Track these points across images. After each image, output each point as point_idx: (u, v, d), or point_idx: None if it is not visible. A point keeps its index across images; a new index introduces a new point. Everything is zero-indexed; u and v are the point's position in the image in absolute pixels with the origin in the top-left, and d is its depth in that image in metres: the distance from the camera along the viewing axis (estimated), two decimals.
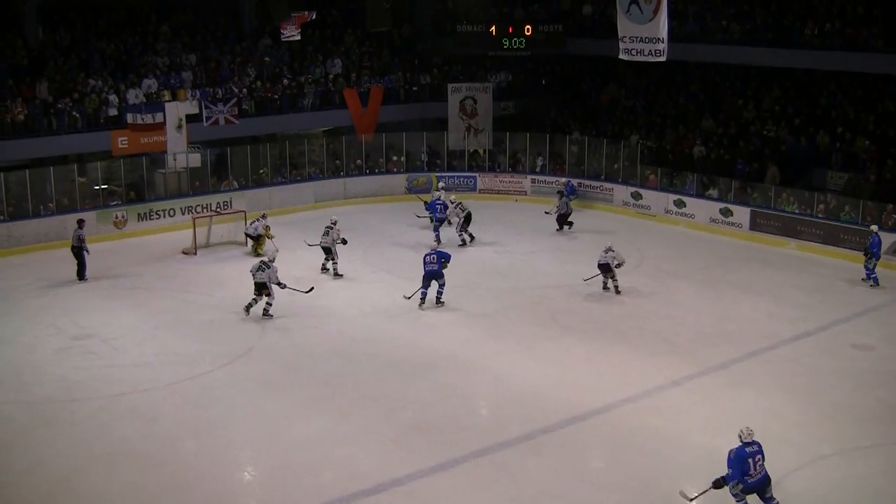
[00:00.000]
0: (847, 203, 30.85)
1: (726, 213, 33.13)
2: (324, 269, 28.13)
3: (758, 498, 14.84)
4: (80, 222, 27.48)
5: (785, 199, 32.16)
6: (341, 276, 27.79)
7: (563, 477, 16.58)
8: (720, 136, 36.49)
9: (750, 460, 14.52)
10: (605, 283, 26.66)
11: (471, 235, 31.60)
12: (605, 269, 26.37)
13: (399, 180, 38.58)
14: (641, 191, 35.73)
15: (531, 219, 34.59)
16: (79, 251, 27.15)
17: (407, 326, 23.91)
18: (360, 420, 18.70)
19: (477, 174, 39.09)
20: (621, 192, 36.42)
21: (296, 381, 20.45)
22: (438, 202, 31.49)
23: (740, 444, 14.68)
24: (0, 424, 18.56)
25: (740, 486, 14.55)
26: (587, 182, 37.34)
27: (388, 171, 38.69)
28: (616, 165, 37.05)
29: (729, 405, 19.38)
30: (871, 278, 27.03)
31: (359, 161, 38.45)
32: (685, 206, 34.32)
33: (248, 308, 24.25)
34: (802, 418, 18.80)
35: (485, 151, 39.93)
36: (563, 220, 33.23)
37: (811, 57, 33.90)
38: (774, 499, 14.84)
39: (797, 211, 31.75)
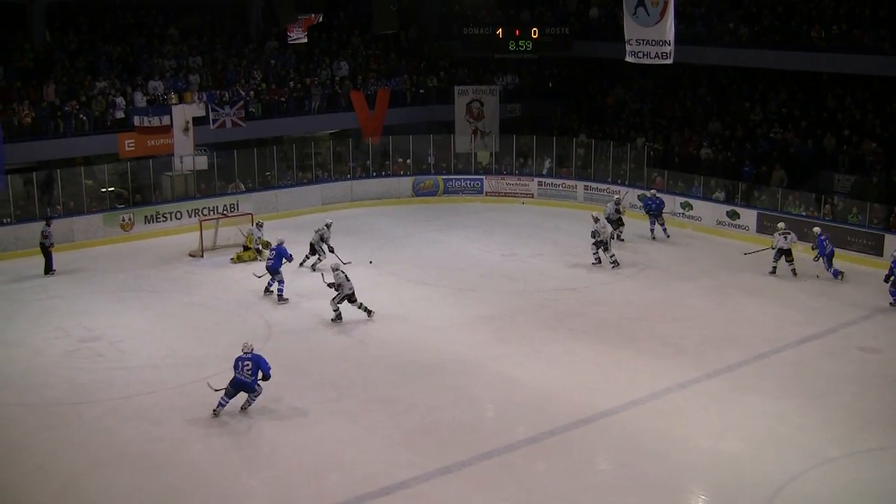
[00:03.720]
0: (854, 205, 30.82)
1: (733, 215, 33.09)
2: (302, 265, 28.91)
3: None
4: (49, 220, 28.59)
5: (792, 202, 32.13)
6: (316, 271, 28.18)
7: (570, 480, 16.58)
8: (727, 139, 36.49)
9: (240, 363, 18.70)
10: (774, 268, 28.33)
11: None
12: (788, 253, 27.92)
13: (406, 183, 38.59)
14: (648, 193, 35.63)
15: (537, 221, 34.62)
16: (45, 248, 28.11)
17: (414, 329, 23.91)
18: (367, 422, 18.71)
19: (483, 177, 39.05)
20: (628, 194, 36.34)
21: (303, 384, 20.45)
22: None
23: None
24: (8, 426, 18.61)
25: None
26: (594, 184, 37.32)
27: (395, 174, 38.71)
28: (623, 168, 37.01)
29: (735, 408, 19.37)
30: None
31: (368, 162, 38.43)
32: (692, 209, 34.29)
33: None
34: (809, 421, 18.77)
35: (491, 154, 39.92)
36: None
37: (818, 59, 33.90)
38: (250, 403, 19.00)
39: (804, 213, 31.71)
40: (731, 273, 28.57)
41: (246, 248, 29.84)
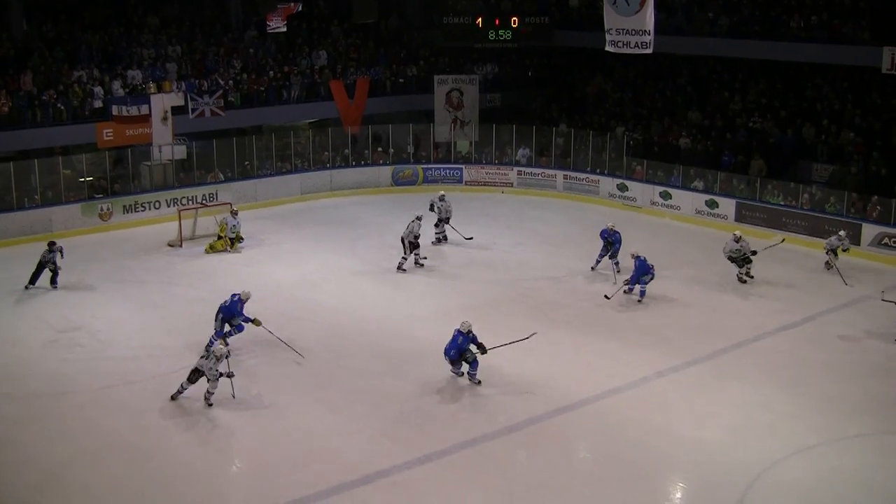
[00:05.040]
0: (832, 195, 30.98)
1: (712, 204, 33.21)
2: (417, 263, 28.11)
3: None
4: (52, 244, 26.09)
5: (771, 191, 32.26)
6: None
7: (551, 468, 16.63)
8: (707, 129, 36.59)
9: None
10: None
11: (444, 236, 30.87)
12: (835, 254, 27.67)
13: (385, 172, 38.54)
14: (627, 182, 35.78)
15: (517, 210, 34.64)
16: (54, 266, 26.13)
17: (394, 318, 23.90)
18: (349, 412, 18.71)
19: (463, 166, 39.04)
20: (607, 183, 36.47)
21: (284, 374, 20.43)
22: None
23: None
24: None
25: None
26: (573, 174, 37.38)
27: (375, 163, 38.66)
28: (602, 157, 37.06)
29: (716, 397, 19.46)
30: None
31: (346, 152, 38.36)
32: (671, 198, 34.39)
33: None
34: (789, 409, 18.88)
35: (471, 143, 39.91)
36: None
37: (798, 49, 34.04)
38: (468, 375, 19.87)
39: (782, 203, 31.86)
40: (710, 262, 28.64)
41: (219, 238, 29.71)
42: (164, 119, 33.47)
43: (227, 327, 21.44)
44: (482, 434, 17.74)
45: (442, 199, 30.39)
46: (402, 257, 27.68)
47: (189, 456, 16.98)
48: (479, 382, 19.78)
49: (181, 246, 30.03)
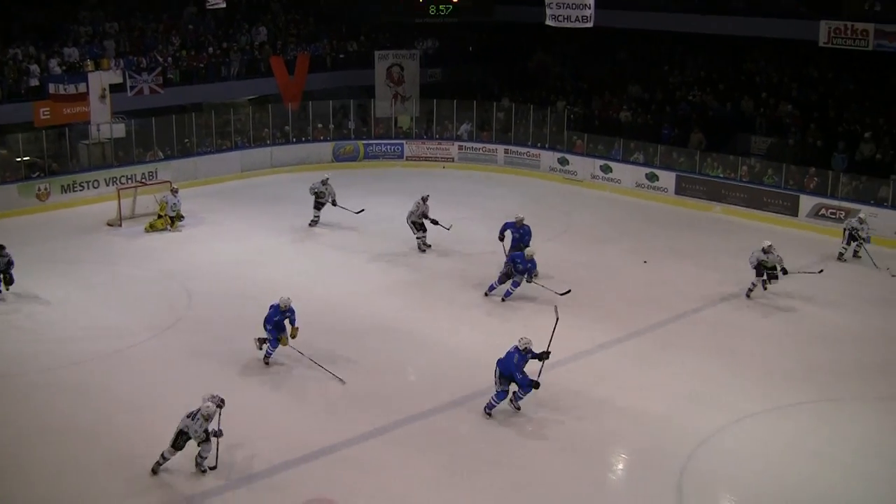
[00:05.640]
0: (770, 167, 31.32)
1: (652, 177, 33.45)
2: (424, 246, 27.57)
3: None
4: (2, 248, 23.85)
5: (710, 164, 32.55)
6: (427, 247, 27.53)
7: (496, 440, 16.73)
8: (647, 102, 36.80)
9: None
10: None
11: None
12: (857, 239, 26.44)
13: (326, 148, 38.37)
14: (568, 156, 35.91)
15: (459, 185, 34.65)
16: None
17: (336, 295, 23.84)
18: (292, 389, 18.69)
19: (404, 141, 38.98)
20: (548, 157, 36.58)
21: (225, 352, 20.29)
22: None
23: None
24: None
25: None
26: (514, 148, 37.46)
27: (315, 140, 38.47)
28: (543, 131, 37.17)
29: (657, 368, 19.67)
30: None
31: (287, 128, 38.13)
32: (611, 172, 34.58)
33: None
34: (729, 379, 19.13)
35: (412, 119, 39.86)
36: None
37: (737, 23, 34.34)
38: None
39: (721, 175, 32.17)
40: (651, 235, 28.90)
41: (159, 217, 29.43)
42: (102, 97, 33.07)
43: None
44: (426, 409, 17.79)
45: (324, 182, 30.04)
46: (417, 237, 27.46)
47: (135, 437, 16.80)
48: (519, 408, 17.81)
49: (121, 225, 29.74)
